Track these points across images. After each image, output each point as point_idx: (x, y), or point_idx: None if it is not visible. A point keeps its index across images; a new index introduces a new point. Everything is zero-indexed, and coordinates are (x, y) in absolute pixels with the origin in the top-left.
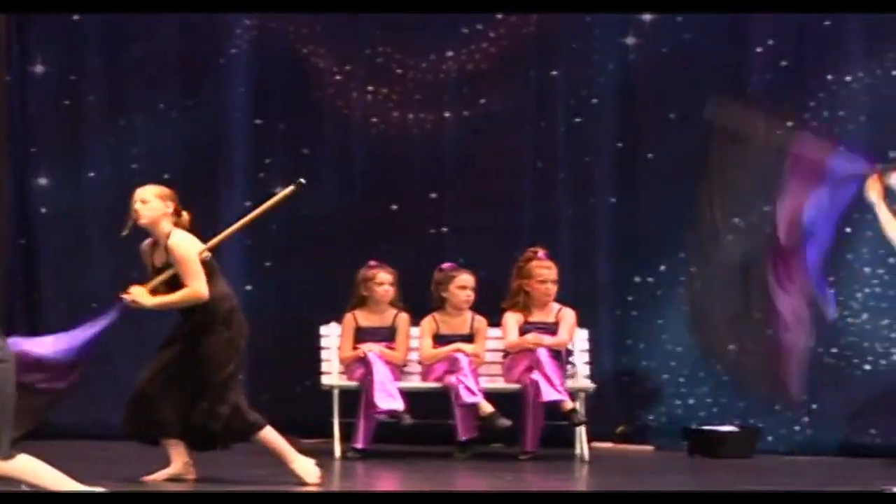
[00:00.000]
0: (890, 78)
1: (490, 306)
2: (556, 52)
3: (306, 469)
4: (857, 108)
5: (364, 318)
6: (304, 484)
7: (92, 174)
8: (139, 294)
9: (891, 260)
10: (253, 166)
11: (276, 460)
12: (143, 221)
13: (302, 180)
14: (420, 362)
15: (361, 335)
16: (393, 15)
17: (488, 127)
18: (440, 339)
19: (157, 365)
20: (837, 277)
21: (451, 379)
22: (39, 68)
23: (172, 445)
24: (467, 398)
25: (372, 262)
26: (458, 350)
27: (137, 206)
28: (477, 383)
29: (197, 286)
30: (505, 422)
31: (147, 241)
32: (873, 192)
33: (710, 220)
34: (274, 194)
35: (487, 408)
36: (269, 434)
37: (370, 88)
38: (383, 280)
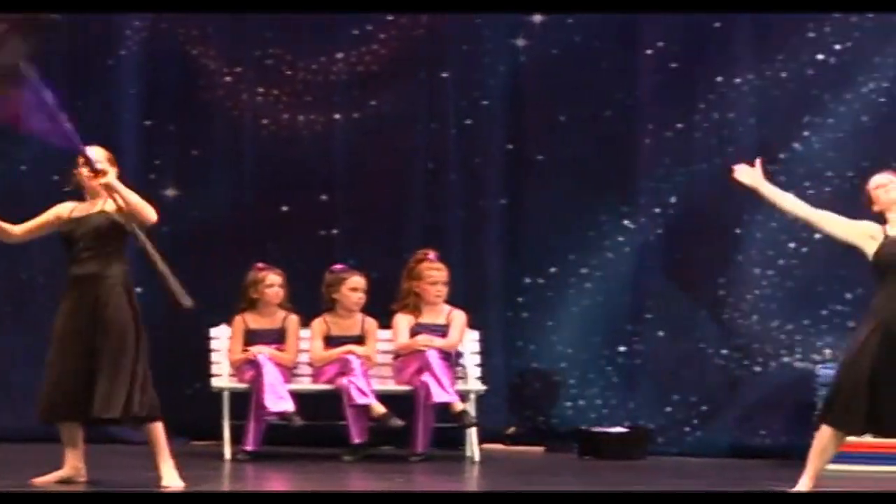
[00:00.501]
0: (779, 79)
1: (381, 308)
2: (446, 53)
3: (173, 475)
4: (747, 110)
5: (254, 320)
6: (162, 485)
7: None
8: (111, 173)
9: (780, 261)
10: (143, 167)
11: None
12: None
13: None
14: (310, 364)
15: (251, 337)
16: (283, 16)
17: (379, 128)
18: (331, 341)
19: (62, 344)
20: (728, 279)
21: (343, 381)
22: None
23: (70, 447)
24: (359, 399)
25: (260, 265)
26: (349, 352)
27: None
28: (368, 384)
29: (150, 208)
30: (398, 422)
31: (67, 208)
32: (747, 177)
33: None
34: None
35: (380, 408)
36: (161, 428)
37: (260, 90)
38: (273, 282)
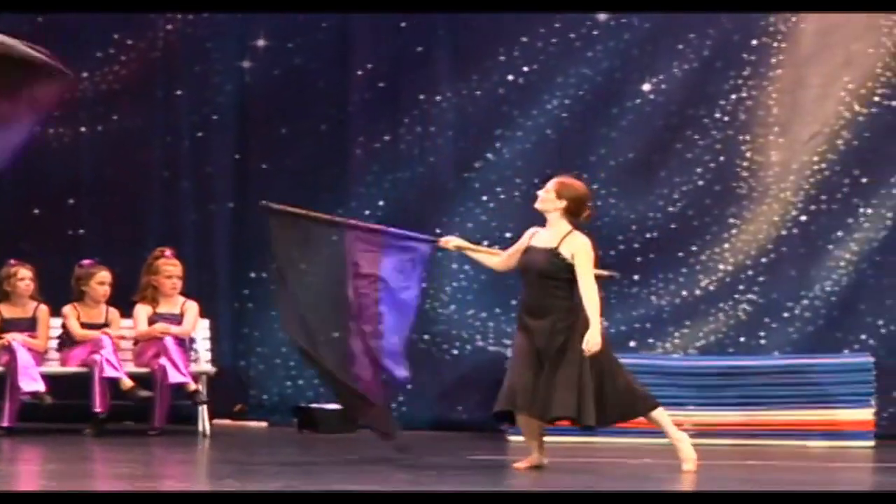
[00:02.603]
0: (474, 97)
1: (123, 299)
2: (180, 74)
3: None
4: (446, 124)
5: (7, 310)
6: None
7: None
8: None
9: None
10: None
11: None
12: None
13: None
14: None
15: (6, 326)
16: (34, 38)
17: (121, 141)
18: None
19: None
20: (429, 273)
21: (95, 356)
22: None
23: None
24: (110, 373)
25: (13, 261)
26: (103, 332)
27: None
28: (119, 361)
29: None
30: (146, 393)
31: None
32: (452, 244)
33: None
34: None
35: (128, 382)
36: None
37: None
38: (24, 276)
